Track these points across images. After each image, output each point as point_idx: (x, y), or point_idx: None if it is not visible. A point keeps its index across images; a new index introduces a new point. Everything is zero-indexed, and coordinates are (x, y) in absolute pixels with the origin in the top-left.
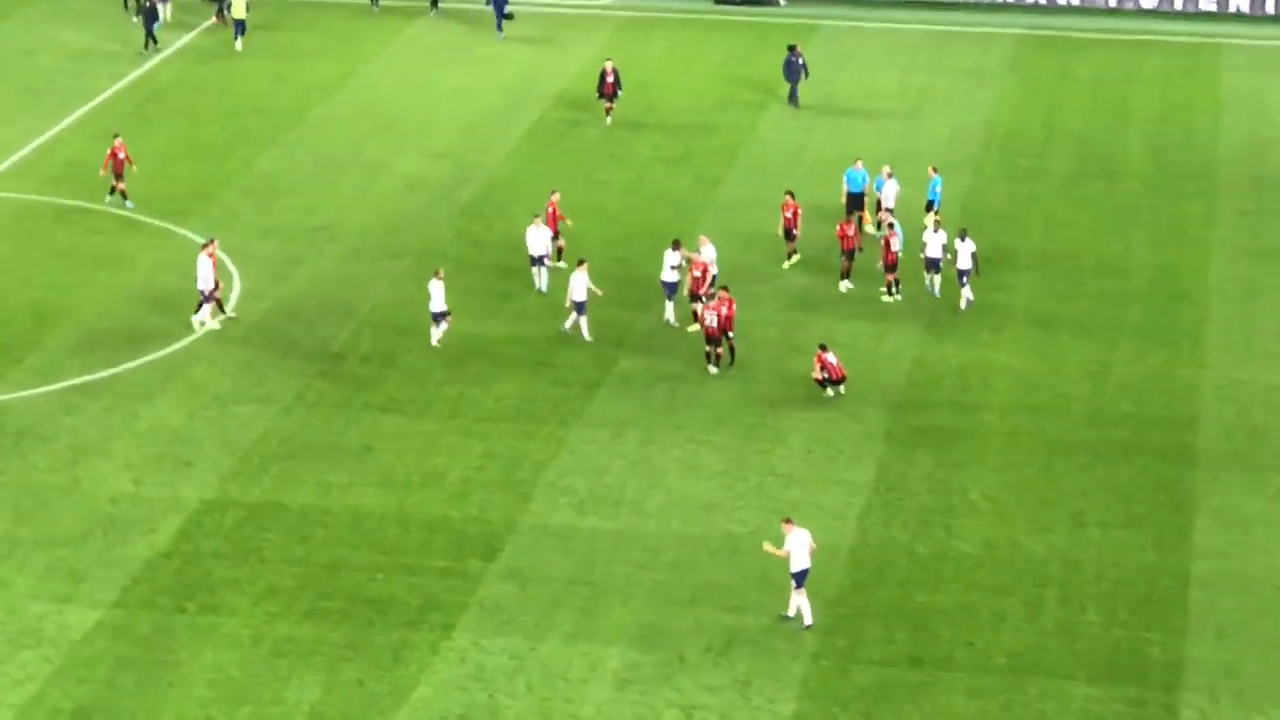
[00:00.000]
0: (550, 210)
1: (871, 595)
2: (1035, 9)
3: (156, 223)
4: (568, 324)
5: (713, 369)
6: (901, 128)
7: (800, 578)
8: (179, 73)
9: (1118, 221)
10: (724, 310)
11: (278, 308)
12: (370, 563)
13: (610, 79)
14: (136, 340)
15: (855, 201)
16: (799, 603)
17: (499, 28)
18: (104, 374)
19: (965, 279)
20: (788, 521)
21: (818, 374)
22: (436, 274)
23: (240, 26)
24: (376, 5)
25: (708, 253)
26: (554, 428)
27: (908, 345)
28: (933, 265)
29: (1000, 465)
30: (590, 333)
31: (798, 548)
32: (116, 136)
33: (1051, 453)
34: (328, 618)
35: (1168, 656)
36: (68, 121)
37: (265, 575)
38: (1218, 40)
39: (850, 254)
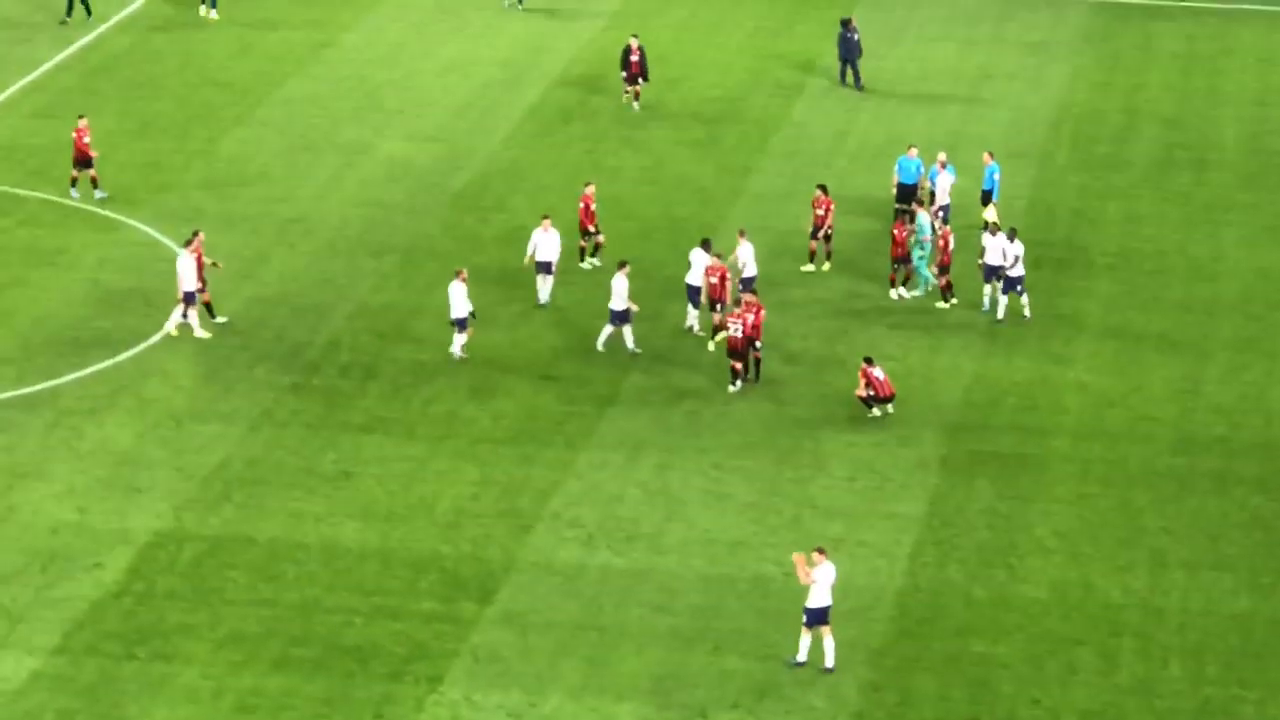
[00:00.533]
0: (584, 205)
1: (924, 645)
2: None
3: (104, 213)
4: (601, 339)
5: (734, 387)
6: (959, 110)
7: (819, 615)
8: (132, 41)
9: (1208, 218)
10: (750, 318)
11: (243, 311)
12: (348, 605)
13: (635, 57)
14: (80, 348)
15: (907, 194)
16: (826, 644)
17: None
18: (42, 386)
19: (1020, 287)
20: (820, 551)
21: (863, 391)
22: (458, 275)
23: None
24: None
25: (744, 251)
26: (559, 451)
27: (966, 359)
28: (993, 273)
29: (1071, 497)
30: (636, 344)
31: (823, 581)
32: (81, 118)
33: (1130, 483)
34: (299, 668)
35: (1263, 718)
36: (3, 96)
37: (227, 619)
38: None
39: (905, 259)
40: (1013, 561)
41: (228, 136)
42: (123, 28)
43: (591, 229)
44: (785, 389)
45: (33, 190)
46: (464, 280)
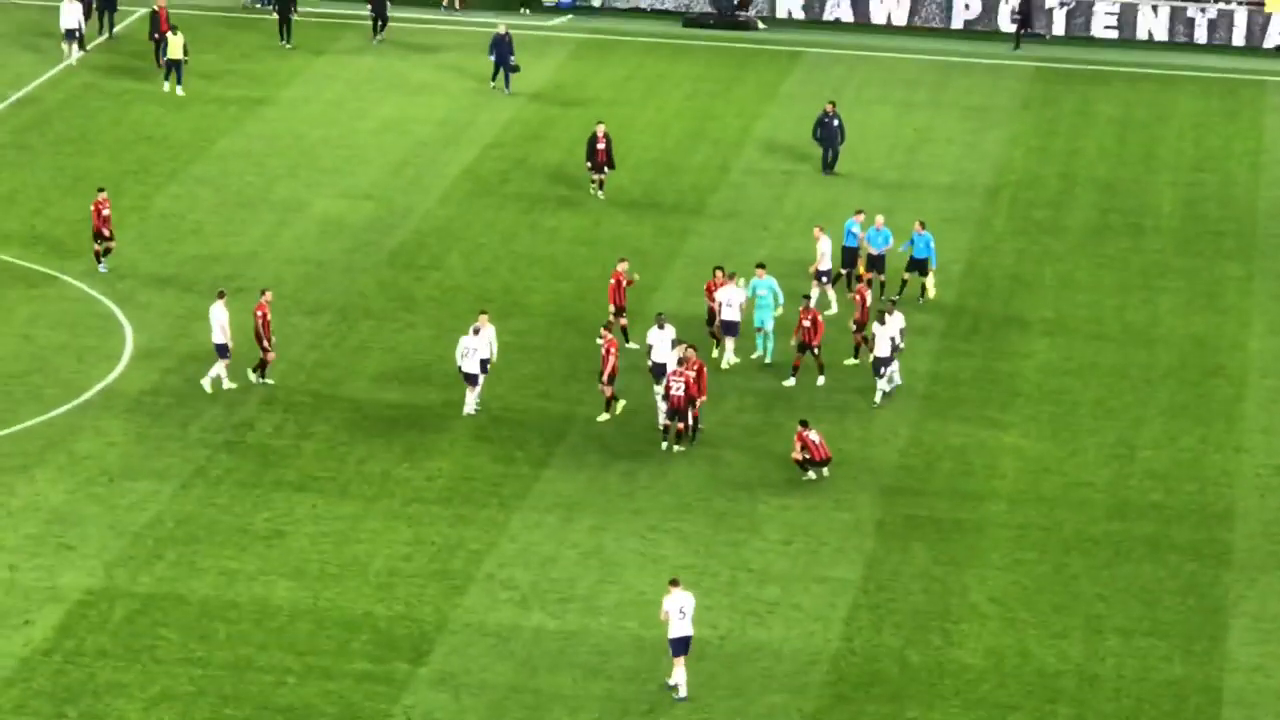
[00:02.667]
0: (615, 281)
1: (858, 710)
2: (1052, 40)
3: (36, 268)
4: (662, 416)
5: (677, 447)
6: (897, 174)
7: (679, 645)
8: (65, 95)
9: (1144, 284)
10: (691, 375)
11: (176, 369)
12: (280, 664)
13: (601, 145)
14: (11, 405)
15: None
16: (677, 673)
17: (506, 84)
18: None
19: (884, 369)
20: (673, 583)
21: (798, 454)
22: (482, 314)
23: (175, 69)
24: (288, 41)
25: (729, 293)
26: (493, 511)
27: (902, 423)
28: (882, 365)
29: (1007, 563)
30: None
31: (673, 610)
32: (101, 191)
33: (1066, 549)
34: None
35: None
36: None
37: (159, 678)
38: (1261, 77)
39: (861, 325)
40: (948, 626)
41: (161, 193)
42: (55, 82)
43: (613, 309)
44: (721, 451)
45: None
46: (478, 333)
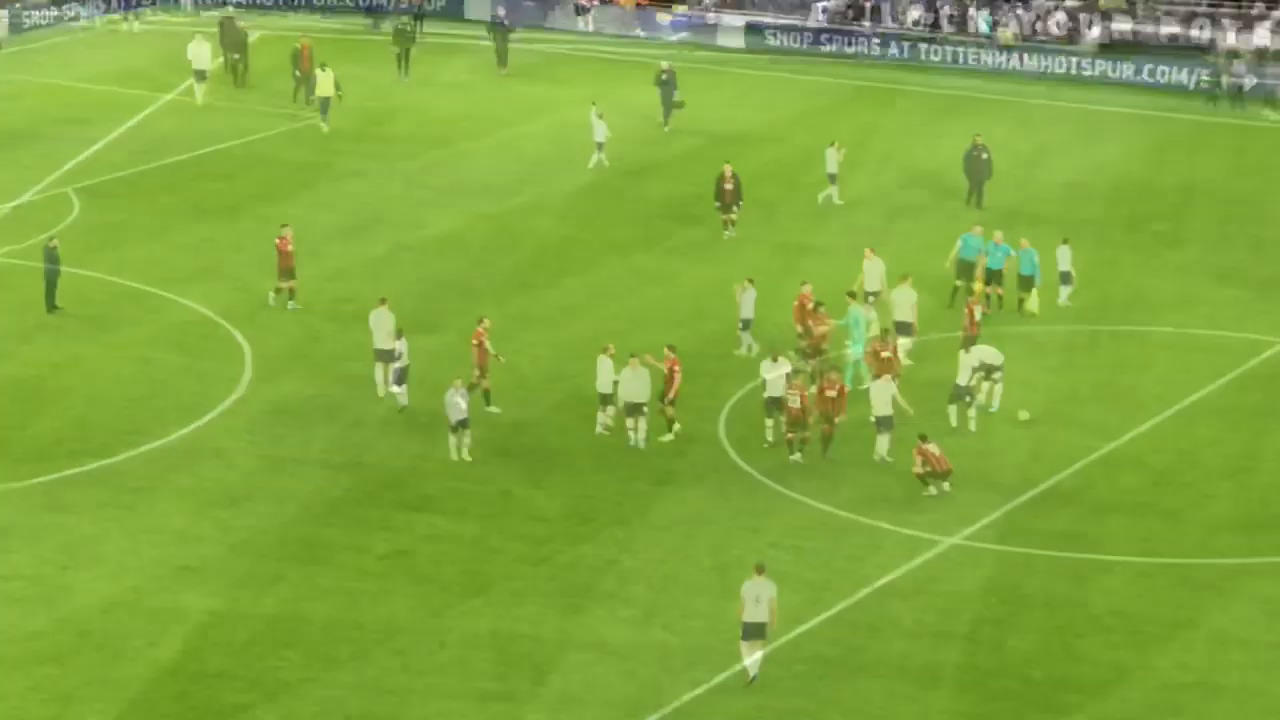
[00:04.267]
0: (799, 303)
1: None
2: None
3: (157, 292)
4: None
5: (795, 457)
6: (1015, 188)
7: (751, 630)
8: (182, 120)
9: (1264, 296)
10: (832, 394)
11: (296, 390)
12: (403, 685)
13: (729, 185)
14: (133, 427)
15: (966, 270)
16: (755, 657)
17: (665, 118)
18: (96, 464)
19: (969, 397)
20: (759, 569)
21: (919, 468)
22: (605, 350)
23: (324, 106)
24: (406, 74)
25: (874, 266)
26: (614, 529)
27: (1022, 435)
28: (964, 394)
29: (1130, 575)
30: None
31: (748, 597)
32: (285, 227)
33: (1189, 561)
34: None
35: None
36: (58, 173)
37: (282, 699)
38: None
39: (973, 339)
40: (1070, 640)
41: (280, 216)
42: (172, 108)
43: (800, 330)
44: (841, 466)
45: (86, 269)
46: (610, 355)
